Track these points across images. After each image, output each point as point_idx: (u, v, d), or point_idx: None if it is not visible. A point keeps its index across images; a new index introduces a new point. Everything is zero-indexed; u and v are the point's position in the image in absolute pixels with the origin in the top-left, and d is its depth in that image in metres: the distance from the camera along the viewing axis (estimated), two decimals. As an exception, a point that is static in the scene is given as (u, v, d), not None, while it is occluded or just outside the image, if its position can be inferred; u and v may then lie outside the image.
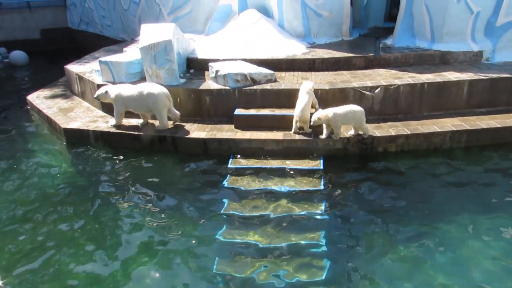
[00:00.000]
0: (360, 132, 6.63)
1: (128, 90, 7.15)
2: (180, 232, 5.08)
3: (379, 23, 11.54)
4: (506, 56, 8.32)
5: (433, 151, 6.70)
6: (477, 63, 8.28)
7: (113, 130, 7.29)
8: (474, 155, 6.59)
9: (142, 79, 8.04)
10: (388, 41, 9.43)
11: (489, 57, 8.39)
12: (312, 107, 6.85)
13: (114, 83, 7.95)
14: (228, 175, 6.24)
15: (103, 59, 8.31)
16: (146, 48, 7.56)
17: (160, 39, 7.50)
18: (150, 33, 7.79)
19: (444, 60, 8.40)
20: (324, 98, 7.11)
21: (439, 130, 6.73)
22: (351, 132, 6.68)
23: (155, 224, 5.24)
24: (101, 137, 7.35)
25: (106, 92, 7.24)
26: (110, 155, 7.03)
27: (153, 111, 7.08)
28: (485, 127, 6.80)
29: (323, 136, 6.60)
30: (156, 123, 7.31)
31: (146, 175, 6.39)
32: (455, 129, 6.75)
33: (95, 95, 7.49)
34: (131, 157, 6.92)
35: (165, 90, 7.02)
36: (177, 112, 7.29)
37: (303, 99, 6.64)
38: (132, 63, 8.08)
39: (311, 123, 6.52)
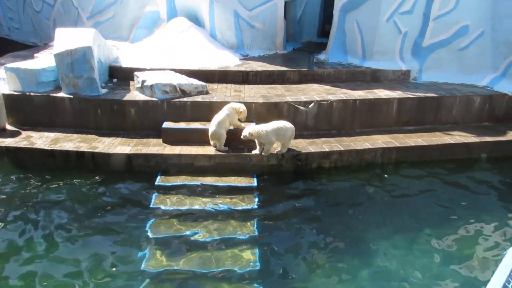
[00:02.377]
0: (280, 148, 6.82)
1: None
2: (98, 260, 4.85)
3: (312, 38, 12.21)
4: (432, 76, 9.22)
5: (365, 167, 7.17)
6: (405, 82, 9.08)
7: (22, 145, 6.87)
8: (402, 171, 7.16)
9: (57, 88, 7.70)
10: (322, 57, 10.02)
11: (416, 77, 9.24)
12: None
13: (22, 93, 7.53)
14: (155, 194, 6.14)
15: (9, 65, 7.79)
16: (61, 55, 7.29)
17: (78, 45, 7.28)
18: (67, 38, 7.54)
19: (374, 78, 9.10)
20: (259, 112, 7.34)
21: (370, 147, 7.24)
22: (278, 149, 6.86)
23: (68, 253, 4.97)
24: (7, 153, 6.88)
25: None
26: (18, 175, 6.60)
27: None
28: (413, 144, 7.42)
29: (257, 151, 6.78)
30: None
31: (59, 198, 6.06)
32: (385, 146, 7.30)
33: None
34: (42, 177, 6.54)
35: None
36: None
37: (219, 115, 6.76)
38: (45, 71, 7.67)
39: (241, 137, 6.60)
